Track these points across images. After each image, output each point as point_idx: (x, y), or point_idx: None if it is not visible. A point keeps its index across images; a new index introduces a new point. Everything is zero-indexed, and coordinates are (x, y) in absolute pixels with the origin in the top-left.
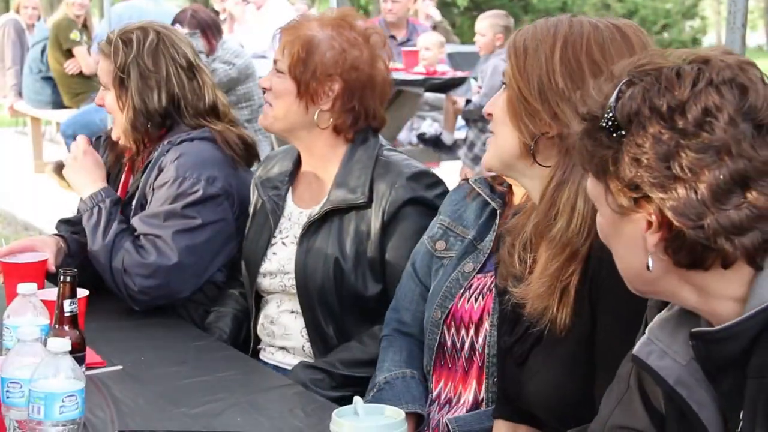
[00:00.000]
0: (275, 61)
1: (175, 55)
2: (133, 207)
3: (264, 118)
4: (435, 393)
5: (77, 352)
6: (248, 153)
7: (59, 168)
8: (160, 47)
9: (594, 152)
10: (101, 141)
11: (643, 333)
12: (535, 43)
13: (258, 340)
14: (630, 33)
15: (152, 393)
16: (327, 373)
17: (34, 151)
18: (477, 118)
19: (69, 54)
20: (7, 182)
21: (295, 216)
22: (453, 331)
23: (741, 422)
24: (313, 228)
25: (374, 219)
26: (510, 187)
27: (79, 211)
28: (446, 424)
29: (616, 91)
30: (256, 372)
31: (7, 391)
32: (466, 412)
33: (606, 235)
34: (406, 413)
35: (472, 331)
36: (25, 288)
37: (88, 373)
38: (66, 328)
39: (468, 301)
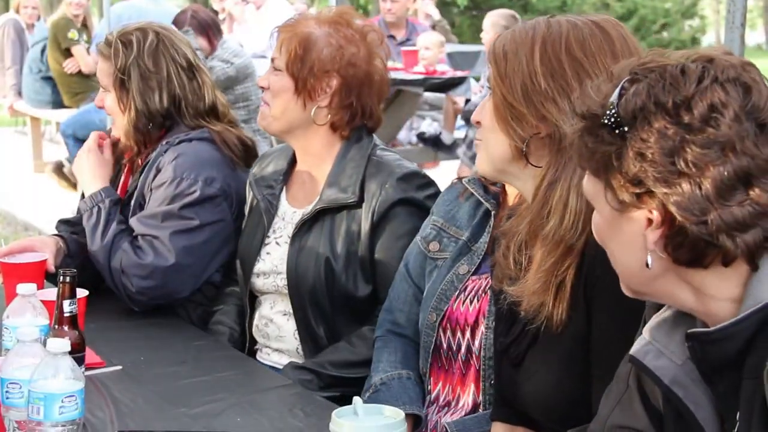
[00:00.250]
0: (273, 59)
1: (175, 55)
2: (131, 207)
3: (262, 118)
4: (433, 395)
5: (77, 352)
6: (247, 153)
7: (59, 168)
8: (159, 48)
9: (595, 149)
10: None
11: (641, 333)
12: (514, 48)
13: (254, 341)
14: (609, 28)
15: (152, 393)
16: (315, 373)
17: (34, 151)
18: None
19: (68, 53)
20: (7, 182)
21: (289, 215)
22: (449, 333)
23: (737, 423)
24: (305, 228)
25: (364, 219)
26: (503, 187)
27: (79, 211)
28: (445, 427)
29: (618, 88)
30: (256, 372)
31: (6, 392)
32: (465, 415)
33: (603, 235)
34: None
35: (468, 334)
36: (24, 288)
37: (88, 373)
38: (65, 328)
39: (463, 303)
